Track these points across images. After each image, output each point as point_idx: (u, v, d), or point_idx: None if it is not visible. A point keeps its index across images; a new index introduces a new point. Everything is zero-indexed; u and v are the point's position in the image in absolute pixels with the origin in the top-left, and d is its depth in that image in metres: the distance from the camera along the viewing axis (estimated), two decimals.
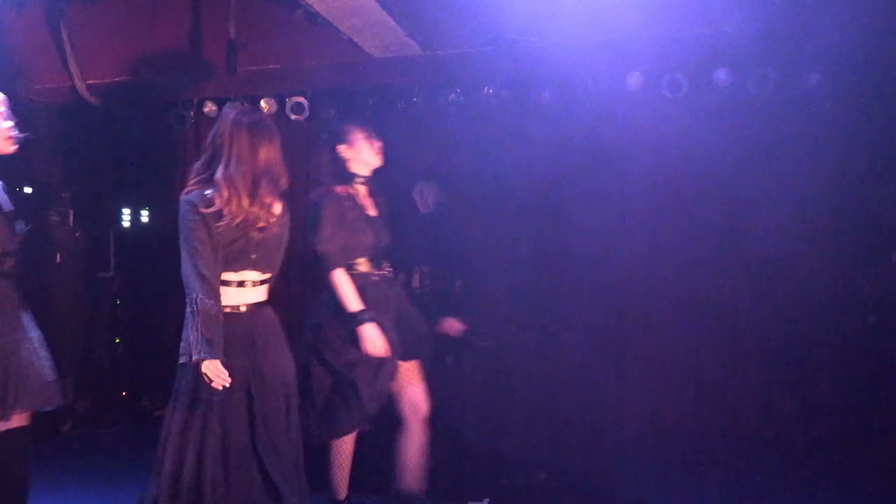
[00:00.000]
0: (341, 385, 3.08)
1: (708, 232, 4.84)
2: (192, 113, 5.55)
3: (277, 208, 2.58)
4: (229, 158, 2.48)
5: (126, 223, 5.72)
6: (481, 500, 3.68)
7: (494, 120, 5.00)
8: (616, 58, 4.40)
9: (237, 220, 2.45)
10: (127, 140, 5.86)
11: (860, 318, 4.63)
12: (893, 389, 4.38)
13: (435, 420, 4.16)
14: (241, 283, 2.54)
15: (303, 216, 3.08)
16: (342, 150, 3.13)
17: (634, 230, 4.96)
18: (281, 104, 5.30)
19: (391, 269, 3.29)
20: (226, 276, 2.50)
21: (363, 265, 3.12)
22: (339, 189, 3.11)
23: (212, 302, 2.38)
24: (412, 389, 3.26)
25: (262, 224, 2.51)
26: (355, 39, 4.21)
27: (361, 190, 3.20)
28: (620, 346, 5.01)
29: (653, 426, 4.91)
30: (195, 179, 2.53)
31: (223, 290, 2.47)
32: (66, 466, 4.40)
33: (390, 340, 3.04)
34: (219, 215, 2.43)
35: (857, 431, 4.50)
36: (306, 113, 5.28)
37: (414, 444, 3.25)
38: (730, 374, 4.91)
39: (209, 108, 5.44)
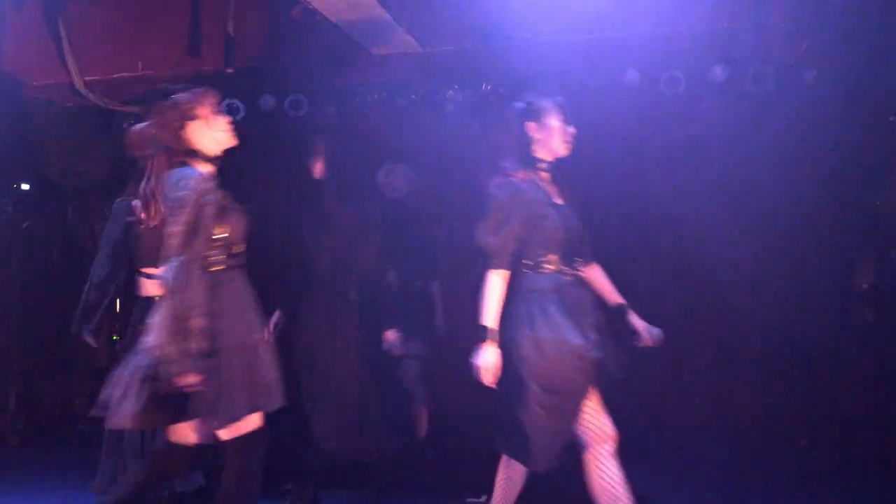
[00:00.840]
0: (517, 409, 2.63)
1: (701, 231, 4.82)
2: None
3: None
4: None
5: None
6: (479, 497, 3.69)
7: (493, 117, 5.00)
8: (613, 54, 4.41)
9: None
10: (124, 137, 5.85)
11: (859, 315, 4.65)
12: (892, 385, 4.39)
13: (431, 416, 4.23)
14: None
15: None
16: (532, 129, 2.70)
17: (635, 226, 4.96)
18: (279, 101, 5.29)
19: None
20: None
21: (553, 263, 2.66)
22: (521, 175, 2.70)
23: None
24: (592, 408, 2.69)
25: None
26: (354, 36, 4.23)
27: (545, 177, 2.76)
28: None
29: (652, 424, 4.92)
30: None
31: None
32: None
33: (595, 362, 2.58)
34: None
35: (858, 429, 4.51)
36: (305, 110, 5.28)
37: (607, 474, 2.67)
38: (729, 372, 4.94)
39: None
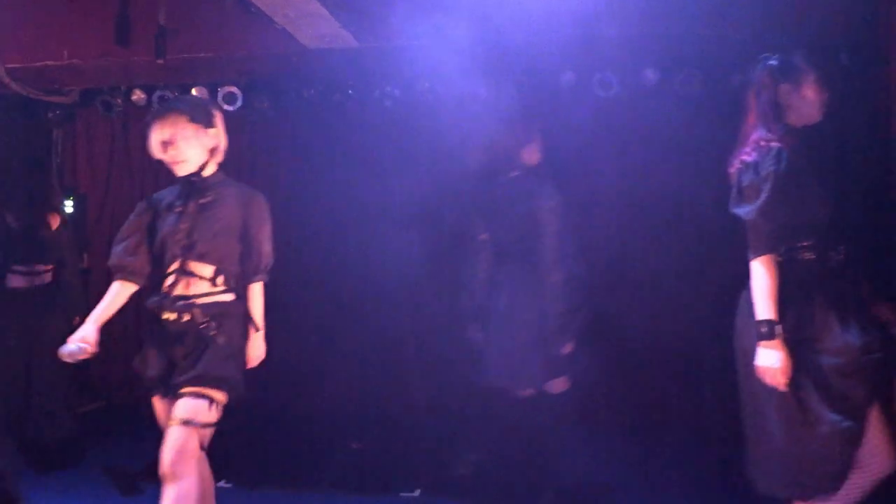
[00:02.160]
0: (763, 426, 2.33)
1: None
2: (119, 101, 5.39)
3: None
4: None
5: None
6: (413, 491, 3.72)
7: (431, 114, 5.02)
8: (551, 56, 4.48)
9: None
10: (49, 127, 5.67)
11: None
12: None
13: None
14: None
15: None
16: (784, 91, 2.39)
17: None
18: (213, 93, 5.20)
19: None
20: None
21: (810, 251, 2.32)
22: (781, 142, 2.34)
23: None
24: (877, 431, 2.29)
25: None
26: (289, 30, 4.17)
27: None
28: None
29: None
30: None
31: None
32: None
33: (876, 364, 2.24)
34: None
35: None
36: (239, 103, 5.20)
37: None
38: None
39: (138, 95, 5.31)
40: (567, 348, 3.66)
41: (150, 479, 3.09)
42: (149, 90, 5.27)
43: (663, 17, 4.02)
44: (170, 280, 2.57)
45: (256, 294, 2.70)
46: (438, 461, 4.13)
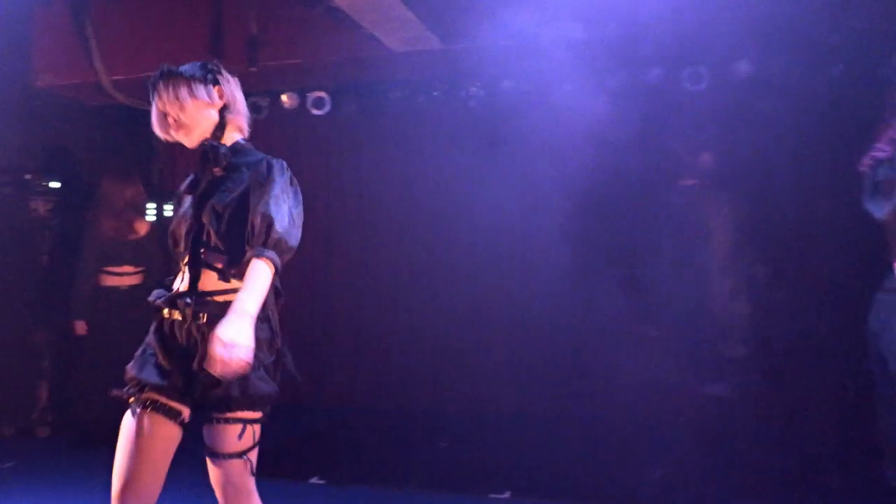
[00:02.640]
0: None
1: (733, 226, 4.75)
2: None
3: None
4: None
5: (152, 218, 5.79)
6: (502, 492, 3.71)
7: (514, 113, 5.00)
8: (637, 50, 4.37)
9: None
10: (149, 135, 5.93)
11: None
12: None
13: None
14: None
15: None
16: None
17: (674, 221, 4.88)
18: (302, 99, 5.33)
19: None
20: None
21: None
22: None
23: None
24: None
25: None
26: (376, 34, 4.23)
27: None
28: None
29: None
30: None
31: None
32: None
33: None
34: None
35: None
36: (328, 107, 5.31)
37: None
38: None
39: None
40: (737, 351, 3.57)
41: None
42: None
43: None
44: (180, 274, 2.13)
45: (248, 273, 1.97)
46: (529, 464, 4.12)
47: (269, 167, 2.07)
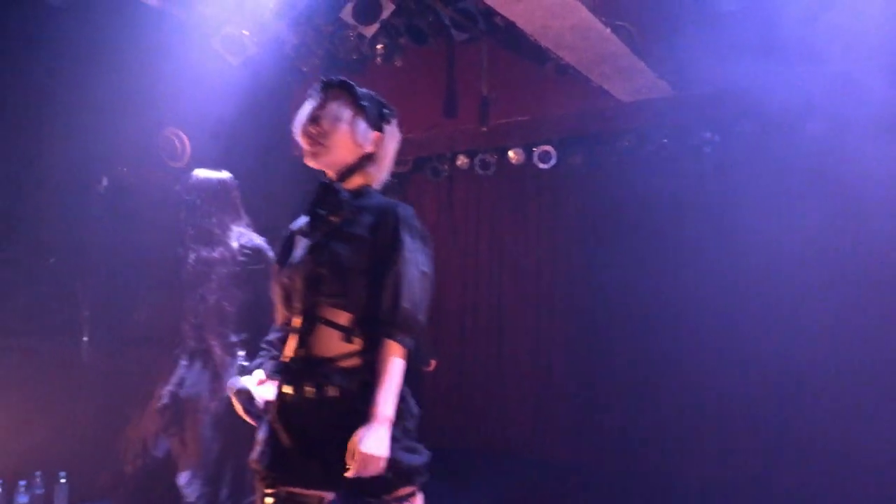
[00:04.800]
0: None
1: None
2: (445, 166, 5.89)
3: None
4: None
5: None
6: None
7: (755, 157, 4.71)
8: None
9: None
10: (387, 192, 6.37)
11: None
12: None
13: None
14: None
15: None
16: None
17: None
18: (528, 154, 5.44)
19: None
20: None
21: None
22: None
23: None
24: None
25: None
26: (605, 86, 4.23)
27: None
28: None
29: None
30: None
31: None
32: None
33: None
34: None
35: None
36: (553, 161, 5.37)
37: None
38: None
39: (461, 161, 5.75)
40: None
41: None
42: (471, 154, 5.69)
43: None
44: (297, 336, 1.85)
45: (382, 364, 1.77)
46: None
47: (397, 220, 1.84)
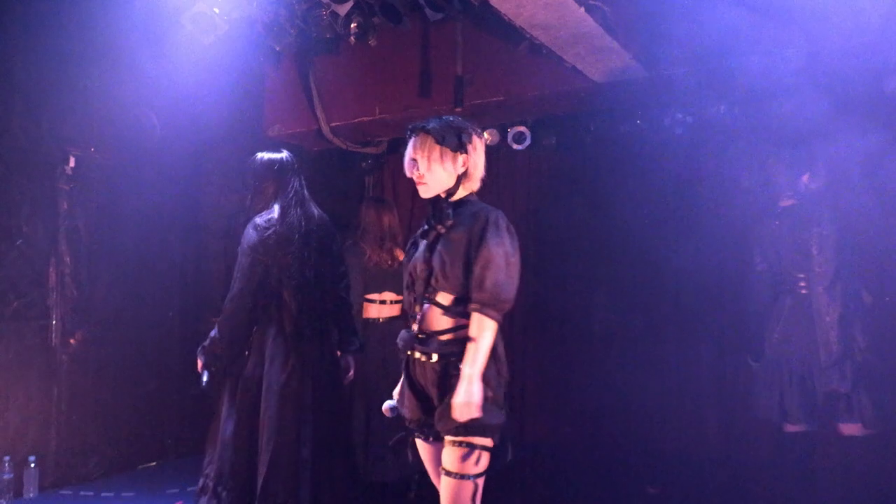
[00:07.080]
0: None
1: None
2: None
3: None
4: None
5: None
6: None
7: (726, 138, 4.75)
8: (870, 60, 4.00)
9: None
10: (362, 175, 6.35)
11: None
12: None
13: None
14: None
15: None
16: None
17: None
18: (503, 134, 5.43)
19: None
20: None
21: None
22: None
23: None
24: None
25: None
26: (579, 67, 4.22)
27: None
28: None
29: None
30: None
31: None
32: None
33: None
34: None
35: None
36: (528, 142, 5.37)
37: None
38: None
39: None
40: (844, 387, 3.47)
41: None
42: None
43: None
44: (417, 317, 2.47)
45: (473, 330, 2.30)
46: None
47: (486, 222, 2.34)
